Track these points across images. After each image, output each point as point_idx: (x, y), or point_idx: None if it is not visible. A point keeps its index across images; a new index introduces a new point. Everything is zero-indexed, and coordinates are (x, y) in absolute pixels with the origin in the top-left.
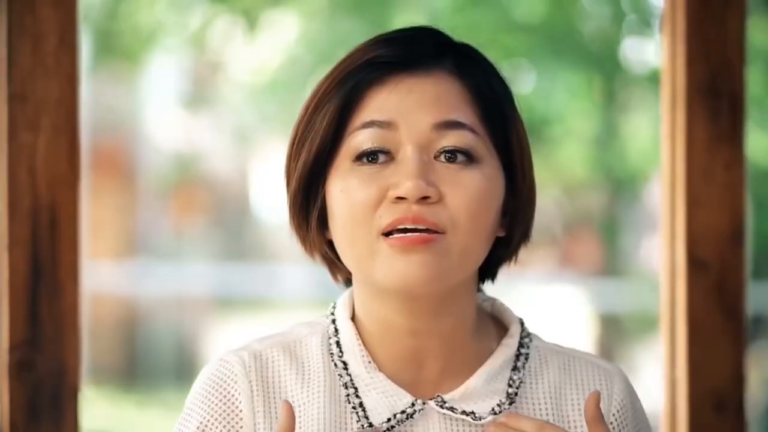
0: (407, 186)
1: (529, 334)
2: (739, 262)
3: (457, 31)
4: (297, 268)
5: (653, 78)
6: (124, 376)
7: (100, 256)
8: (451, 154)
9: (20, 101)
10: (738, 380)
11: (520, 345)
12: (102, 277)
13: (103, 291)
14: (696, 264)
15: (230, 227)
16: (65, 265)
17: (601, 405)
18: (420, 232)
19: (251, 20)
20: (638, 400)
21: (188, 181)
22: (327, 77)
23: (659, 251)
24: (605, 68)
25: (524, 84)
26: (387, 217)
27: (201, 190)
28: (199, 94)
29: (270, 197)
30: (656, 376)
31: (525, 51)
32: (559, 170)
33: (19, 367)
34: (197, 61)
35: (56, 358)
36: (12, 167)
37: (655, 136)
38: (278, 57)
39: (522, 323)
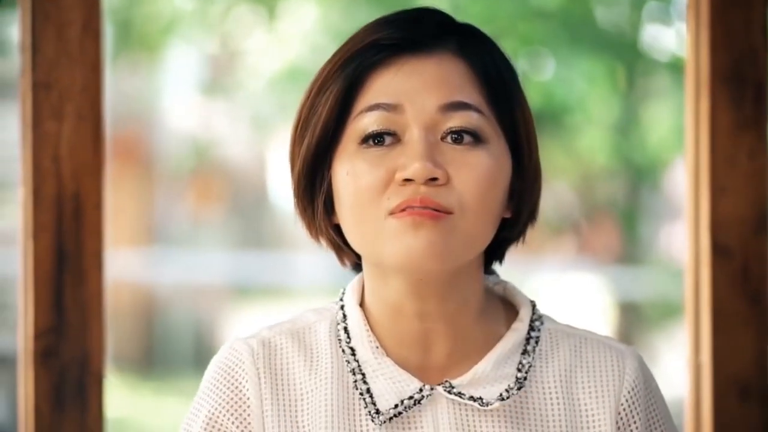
0: (415, 167)
1: (540, 317)
2: (763, 248)
3: (476, 18)
4: (314, 256)
5: (674, 65)
6: (142, 363)
7: (118, 244)
8: (458, 135)
9: (44, 89)
10: (762, 368)
11: (531, 328)
12: (120, 264)
13: (121, 279)
14: (720, 251)
15: (248, 215)
16: (89, 253)
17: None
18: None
19: (270, 8)
20: (653, 380)
21: (206, 169)
22: (329, 61)
23: (683, 238)
24: (625, 55)
25: (543, 72)
26: (395, 199)
27: (219, 179)
28: (218, 82)
29: (287, 185)
30: (676, 363)
31: (544, 38)
32: (579, 158)
33: (44, 355)
34: (216, 49)
35: (80, 345)
36: (36, 155)
37: (676, 123)
38: (297, 45)
39: (533, 306)
